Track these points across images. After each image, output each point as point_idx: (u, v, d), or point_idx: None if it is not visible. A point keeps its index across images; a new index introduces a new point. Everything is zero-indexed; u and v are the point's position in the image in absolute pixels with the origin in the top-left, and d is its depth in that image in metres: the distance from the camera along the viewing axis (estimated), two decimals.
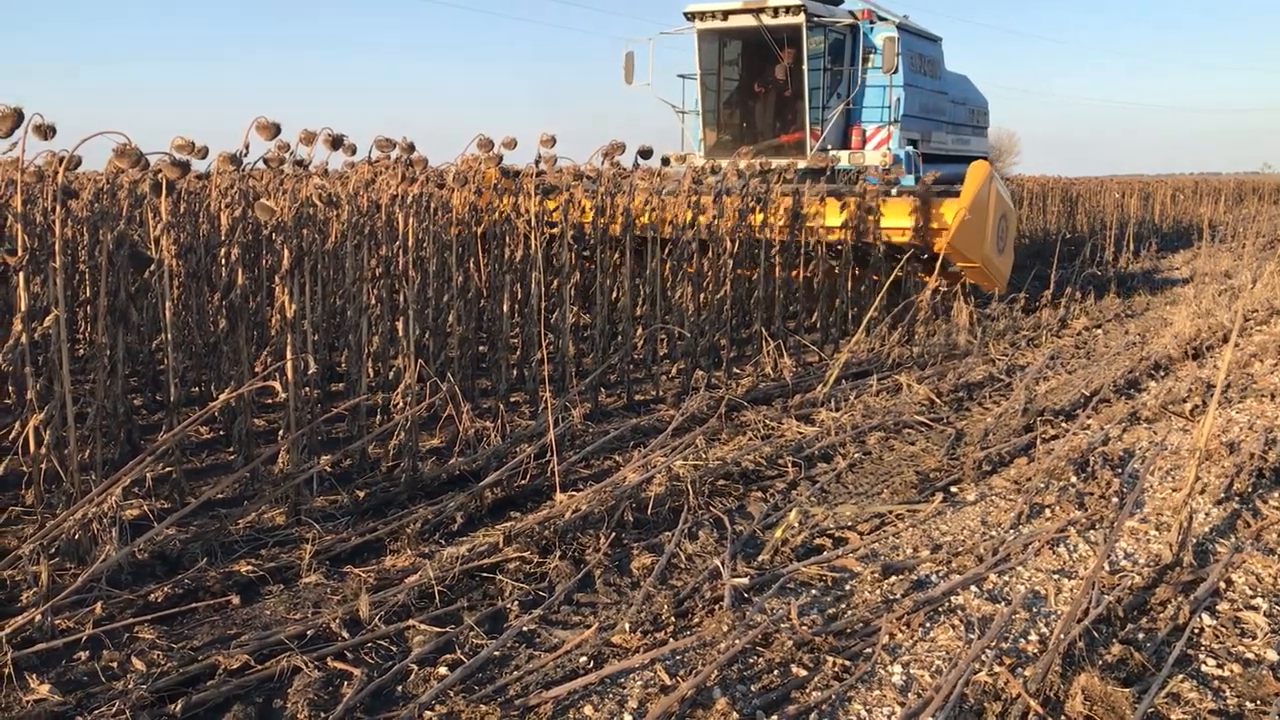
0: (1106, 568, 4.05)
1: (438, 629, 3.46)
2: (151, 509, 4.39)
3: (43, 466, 3.81)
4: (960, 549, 4.27)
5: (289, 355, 4.59)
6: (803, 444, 5.72)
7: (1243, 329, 9.71)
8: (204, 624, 3.52)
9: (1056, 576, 4.01)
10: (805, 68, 12.23)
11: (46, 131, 3.81)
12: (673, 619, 3.55)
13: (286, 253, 4.68)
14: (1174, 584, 3.86)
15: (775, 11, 11.89)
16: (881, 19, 12.99)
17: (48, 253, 5.39)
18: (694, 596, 3.73)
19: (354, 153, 5.88)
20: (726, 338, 7.94)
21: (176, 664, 3.15)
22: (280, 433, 4.74)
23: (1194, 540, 4.28)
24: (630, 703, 3.05)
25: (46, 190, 5.69)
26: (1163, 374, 7.93)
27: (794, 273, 9.05)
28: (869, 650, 3.35)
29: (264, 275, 5.96)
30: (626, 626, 3.45)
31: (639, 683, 3.16)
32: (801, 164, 11.80)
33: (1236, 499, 4.88)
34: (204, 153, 4.86)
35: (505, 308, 6.72)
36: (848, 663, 3.28)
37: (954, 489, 5.12)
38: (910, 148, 12.90)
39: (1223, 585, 3.91)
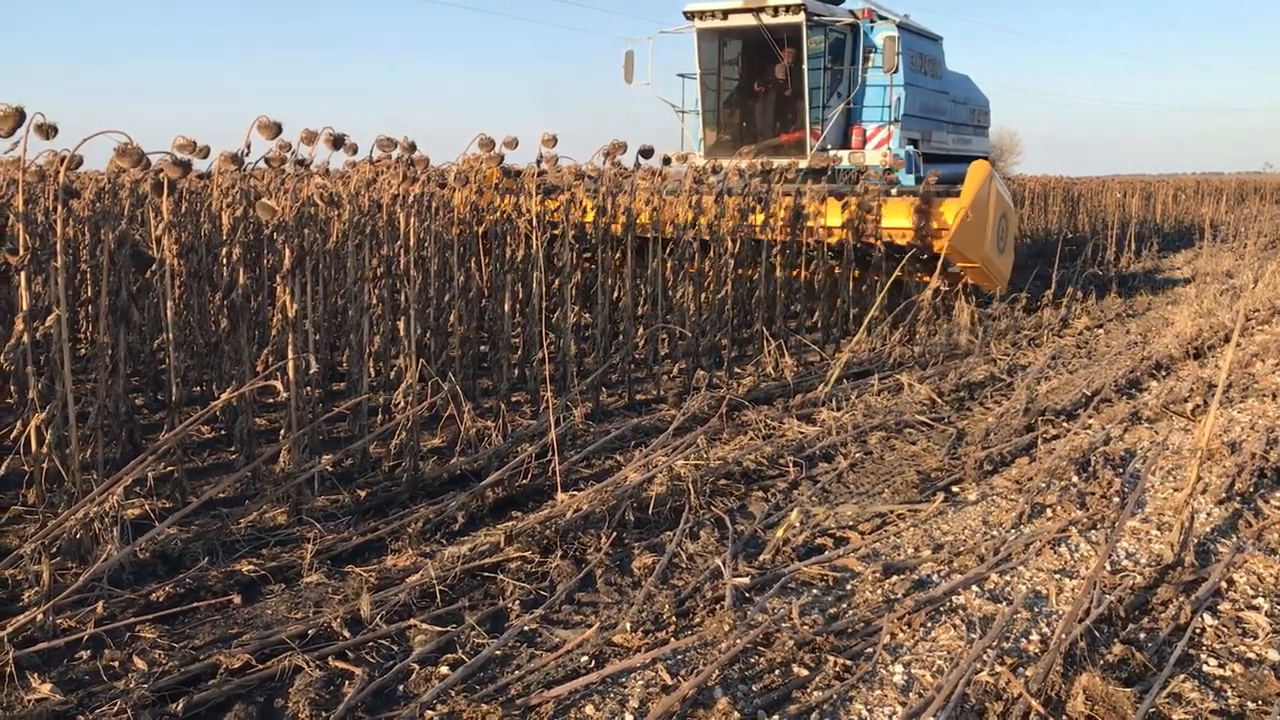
0: (1108, 567, 4.04)
1: (439, 628, 3.46)
2: (153, 508, 4.39)
3: (44, 466, 3.81)
4: (961, 549, 4.26)
5: (290, 355, 4.59)
6: (804, 443, 5.72)
7: (1244, 329, 9.70)
8: (205, 623, 3.52)
9: (1058, 576, 4.00)
10: (805, 67, 12.20)
11: (48, 131, 3.81)
12: (674, 618, 3.55)
13: (288, 252, 4.68)
14: (1175, 584, 3.86)
15: (775, 10, 11.86)
16: (882, 18, 12.97)
17: (49, 252, 5.40)
18: (695, 596, 3.73)
19: (355, 152, 5.88)
20: (728, 337, 7.94)
21: (178, 663, 3.15)
22: (282, 432, 4.74)
23: (1195, 540, 4.27)
24: (631, 702, 3.05)
25: (48, 190, 5.69)
26: (1164, 374, 7.93)
27: (795, 272, 9.05)
28: (870, 650, 3.35)
29: (265, 275, 5.95)
30: (628, 626, 3.45)
31: (640, 682, 3.16)
32: (802, 164, 11.79)
33: (1238, 499, 4.88)
34: (205, 152, 4.85)
35: (506, 307, 6.72)
36: (849, 662, 3.28)
37: (955, 489, 5.12)
38: (911, 147, 12.88)
39: (1224, 585, 3.90)
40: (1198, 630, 3.54)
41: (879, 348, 8.44)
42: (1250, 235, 20.65)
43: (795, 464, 5.37)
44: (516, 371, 7.10)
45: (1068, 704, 2.98)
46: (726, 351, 7.88)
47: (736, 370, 7.85)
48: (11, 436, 3.85)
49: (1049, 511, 4.75)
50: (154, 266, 4.84)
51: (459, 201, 6.68)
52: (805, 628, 3.46)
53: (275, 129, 4.85)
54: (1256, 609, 3.72)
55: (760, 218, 8.31)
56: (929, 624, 3.57)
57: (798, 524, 4.44)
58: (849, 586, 3.90)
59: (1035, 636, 3.48)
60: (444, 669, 3.21)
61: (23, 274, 3.83)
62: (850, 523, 4.60)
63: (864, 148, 12.69)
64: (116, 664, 3.18)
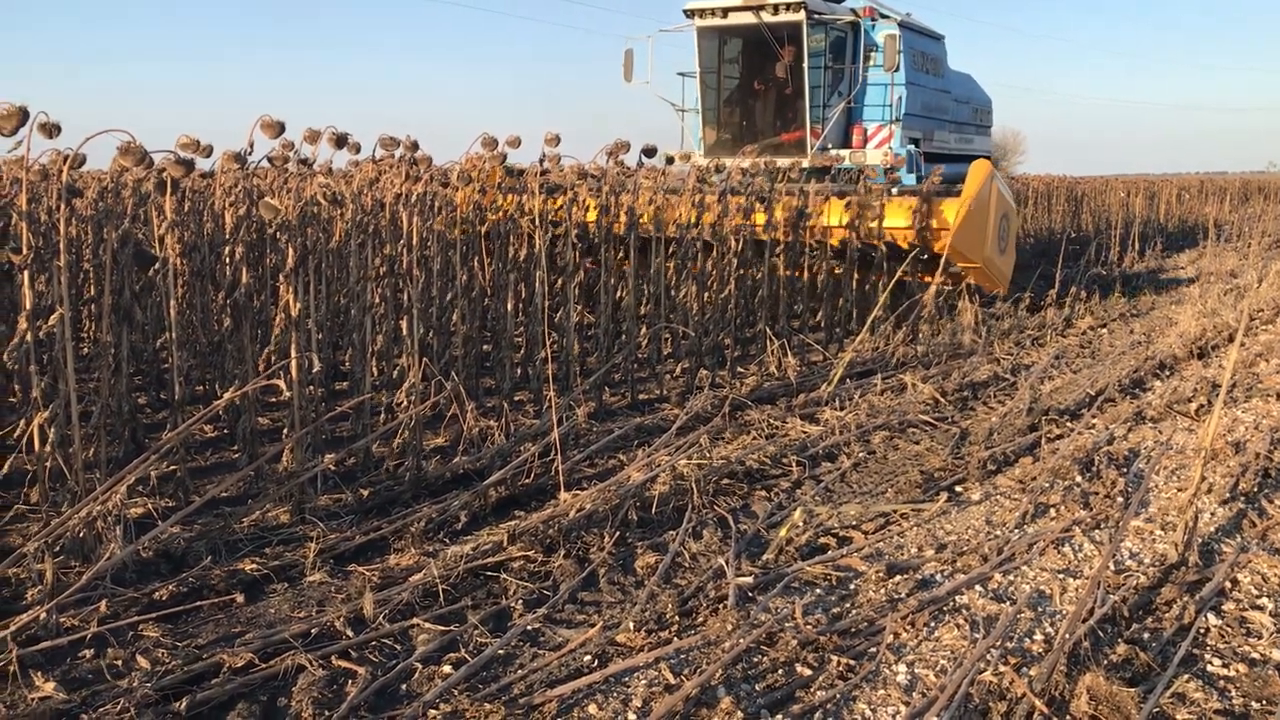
0: (1112, 567, 4.04)
1: (442, 628, 3.46)
2: (156, 507, 4.39)
3: (47, 465, 3.81)
4: (965, 548, 4.26)
5: (293, 354, 4.59)
6: (807, 443, 5.71)
7: (1248, 328, 9.69)
8: (208, 622, 3.52)
9: (1061, 576, 4.00)
10: (806, 65, 12.17)
11: (51, 130, 3.81)
12: (677, 618, 3.55)
13: (291, 251, 4.68)
14: (1179, 584, 3.85)
15: (775, 9, 11.83)
16: (883, 16, 12.94)
17: (52, 251, 5.39)
18: (698, 595, 3.72)
19: (358, 151, 5.88)
20: (730, 337, 7.93)
21: (181, 662, 3.15)
22: (284, 431, 4.74)
23: (1199, 540, 4.27)
24: (634, 701, 3.04)
25: (51, 189, 5.70)
26: (1168, 373, 7.91)
27: (798, 272, 9.04)
28: (874, 649, 3.35)
29: (268, 274, 5.95)
30: (631, 625, 3.45)
31: (643, 682, 3.16)
32: (804, 163, 11.77)
33: (1242, 499, 4.87)
34: (208, 151, 4.86)
35: (509, 306, 6.72)
36: (852, 662, 3.28)
37: (959, 488, 5.11)
38: (912, 146, 12.86)
39: (1228, 585, 3.90)
40: (1202, 630, 3.53)
41: (882, 347, 8.43)
42: (1254, 235, 20.62)
43: (798, 463, 5.37)
44: (519, 371, 7.10)
45: (1071, 704, 2.97)
46: (729, 351, 7.88)
47: (739, 370, 7.85)
48: (15, 435, 3.85)
49: (1053, 511, 4.74)
50: (157, 265, 4.85)
51: (461, 200, 6.68)
52: (808, 627, 3.46)
53: (278, 128, 4.86)
54: (1261, 609, 3.71)
55: (762, 217, 8.30)
56: (932, 624, 3.57)
57: (801, 523, 4.43)
58: (852, 586, 3.89)
59: (1039, 636, 3.48)
60: (447, 668, 3.21)
61: (26, 273, 3.84)
62: (853, 522, 4.59)
63: (865, 147, 12.65)
64: (120, 663, 3.18)
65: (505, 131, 6.73)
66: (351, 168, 6.52)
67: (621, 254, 7.66)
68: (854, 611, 3.65)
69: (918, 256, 8.95)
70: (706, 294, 7.84)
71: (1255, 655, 3.38)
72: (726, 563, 3.93)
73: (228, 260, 5.51)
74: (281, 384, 4.44)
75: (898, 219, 8.99)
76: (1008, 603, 3.74)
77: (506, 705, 2.96)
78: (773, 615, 3.55)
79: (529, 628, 3.49)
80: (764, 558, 4.13)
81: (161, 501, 4.55)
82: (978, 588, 3.88)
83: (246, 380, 4.87)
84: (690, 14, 12.53)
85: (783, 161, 9.71)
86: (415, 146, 6.25)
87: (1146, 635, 3.47)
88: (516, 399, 6.67)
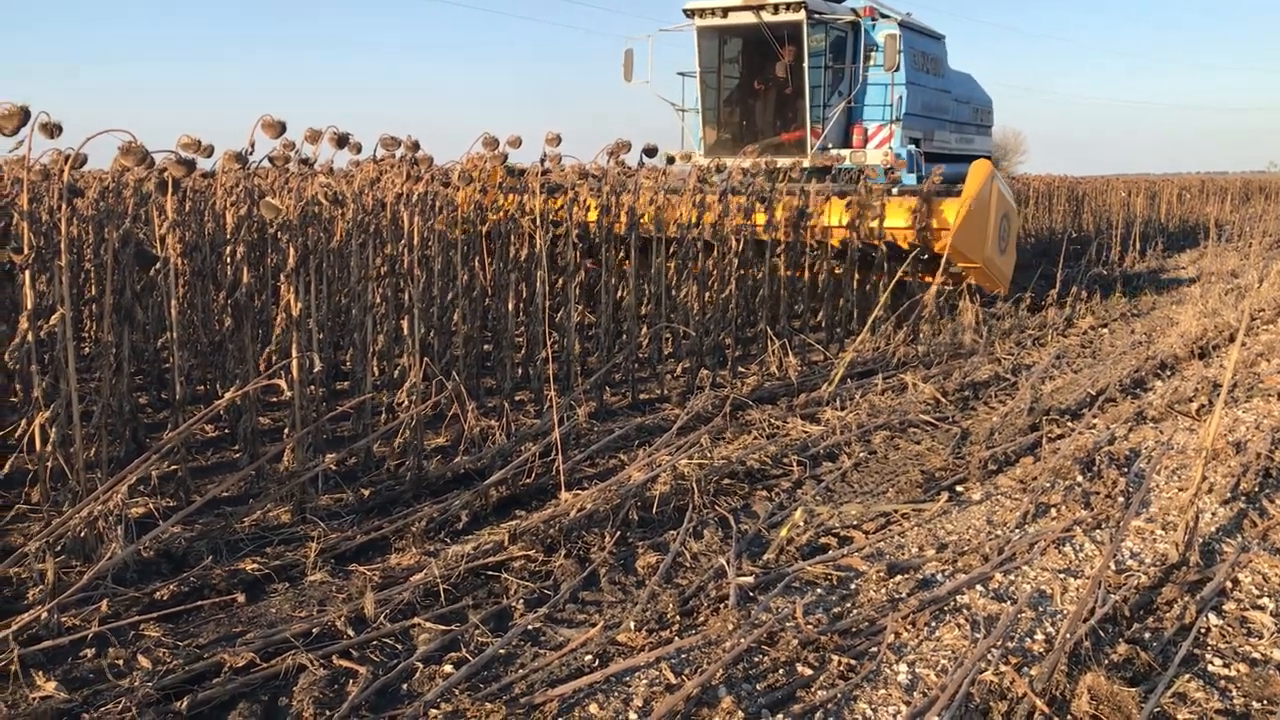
0: (1112, 567, 4.04)
1: (443, 627, 3.46)
2: (157, 507, 4.40)
3: (48, 464, 3.81)
4: (966, 548, 4.26)
5: (294, 353, 4.59)
6: (808, 443, 5.71)
7: (1249, 328, 9.69)
8: (209, 622, 3.52)
9: (1062, 576, 4.00)
10: (806, 65, 12.16)
11: (53, 130, 3.81)
12: (678, 618, 3.55)
13: (292, 251, 4.68)
14: (1180, 583, 3.85)
15: (775, 8, 11.82)
16: (883, 16, 12.92)
17: (53, 251, 5.40)
18: (699, 595, 3.72)
19: (359, 151, 5.88)
20: (731, 337, 7.93)
21: (182, 662, 3.15)
22: (285, 431, 4.74)
23: (1200, 540, 4.27)
24: (635, 701, 3.05)
25: (52, 188, 5.70)
26: (1169, 373, 7.91)
27: (799, 272, 9.03)
28: (874, 649, 3.35)
29: (269, 274, 5.95)
30: (632, 625, 3.45)
31: (644, 681, 3.16)
32: (805, 163, 11.77)
33: (1243, 498, 4.87)
34: (209, 151, 4.86)
35: (510, 306, 6.72)
36: (853, 661, 3.28)
37: (959, 488, 5.11)
38: (913, 146, 12.85)
39: (1229, 585, 3.90)
40: (1203, 630, 3.53)
41: (883, 347, 8.43)
42: (1255, 235, 20.62)
43: (799, 463, 5.37)
44: (520, 370, 7.10)
45: (1072, 703, 2.97)
46: (730, 351, 7.88)
47: (740, 370, 7.85)
48: (16, 435, 3.85)
49: (1053, 511, 4.74)
50: (158, 265, 4.85)
51: (462, 200, 6.68)
52: (809, 627, 3.46)
53: (279, 128, 4.86)
54: (1262, 609, 3.71)
55: (763, 217, 8.29)
56: (933, 623, 3.57)
57: (802, 523, 4.43)
58: (853, 586, 3.89)
59: (1040, 636, 3.48)
60: (448, 668, 3.21)
61: (27, 273, 3.84)
62: (854, 522, 4.59)
63: (865, 147, 12.64)
64: (121, 662, 3.18)
65: (505, 131, 6.74)
66: (353, 168, 6.53)
67: (622, 254, 7.66)
68: (855, 611, 3.65)
69: (918, 257, 8.95)
70: (707, 294, 7.84)
71: (1256, 655, 3.38)
72: (727, 562, 3.93)
73: (229, 260, 5.51)
74: (282, 384, 4.44)
75: (898, 219, 8.98)
76: (1009, 602, 3.74)
77: (508, 705, 2.96)
78: (774, 615, 3.55)
79: (530, 627, 3.49)
80: (765, 557, 4.13)
81: (162, 501, 4.56)
82: (979, 587, 3.88)
83: (247, 380, 4.87)
84: (690, 14, 12.51)
85: (783, 161, 9.70)
86: (416, 146, 6.25)
87: (1147, 635, 3.47)
88: (517, 399, 6.67)
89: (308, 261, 4.90)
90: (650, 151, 7.69)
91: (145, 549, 3.88)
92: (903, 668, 3.26)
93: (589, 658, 3.28)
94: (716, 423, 5.87)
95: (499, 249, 6.90)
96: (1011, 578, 3.98)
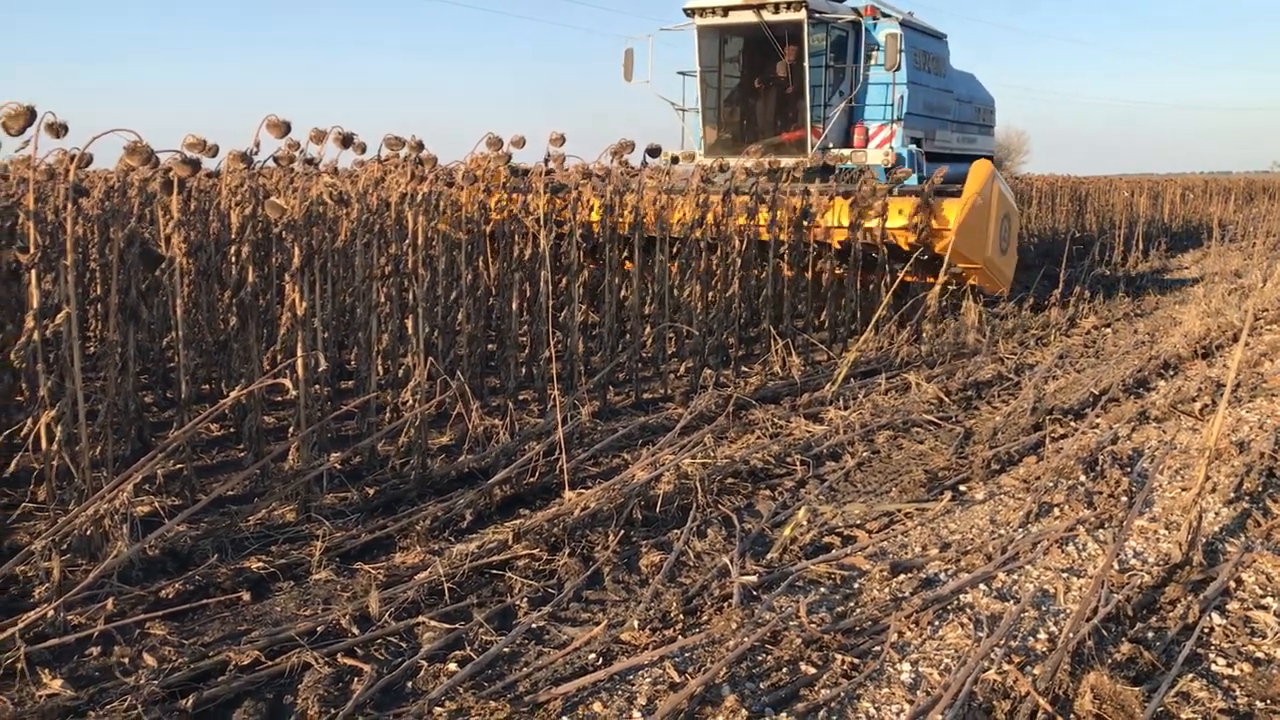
0: (1116, 566, 4.04)
1: (447, 625, 3.47)
2: (162, 506, 4.41)
3: (54, 463, 3.82)
4: (969, 547, 4.26)
5: (299, 353, 4.61)
6: (811, 442, 5.72)
7: (1253, 328, 9.68)
8: (215, 620, 3.53)
9: (1065, 575, 4.00)
10: (807, 65, 12.14)
11: (58, 130, 3.82)
12: (681, 616, 3.56)
13: (297, 251, 4.69)
14: (1184, 583, 3.85)
15: (776, 7, 11.80)
16: (885, 15, 12.90)
17: (59, 250, 5.41)
18: (703, 594, 3.73)
19: (363, 151, 5.89)
20: (735, 336, 7.94)
21: (187, 660, 3.16)
22: (290, 430, 4.76)
23: (1204, 539, 4.26)
24: (639, 700, 3.05)
25: (58, 188, 5.71)
26: (1172, 373, 7.91)
27: (802, 272, 9.03)
28: (878, 648, 3.36)
29: (274, 273, 5.97)
30: (635, 624, 3.46)
31: (648, 680, 3.16)
32: (807, 162, 11.76)
33: (1246, 498, 4.87)
34: (214, 151, 4.87)
35: (514, 306, 6.73)
36: (856, 660, 3.28)
37: (963, 488, 5.12)
38: (914, 146, 12.83)
39: (1233, 584, 3.90)
40: (1206, 629, 3.53)
41: (886, 347, 8.43)
42: (1259, 235, 20.60)
43: (802, 463, 5.37)
44: (524, 370, 7.11)
45: (1075, 703, 2.98)
46: (733, 350, 7.88)
47: (743, 369, 7.85)
48: (22, 434, 3.86)
49: (1056, 510, 4.74)
50: (163, 265, 4.86)
51: (466, 200, 6.69)
52: (813, 626, 3.47)
53: (284, 128, 4.87)
54: (1265, 608, 3.71)
55: (766, 217, 8.29)
56: (936, 622, 3.57)
57: (805, 522, 4.44)
58: (856, 585, 3.90)
59: (1043, 635, 3.48)
60: (452, 666, 3.22)
61: (33, 272, 3.85)
62: (858, 521, 4.60)
63: (866, 146, 12.63)
64: (126, 660, 3.19)
65: (504, 131, 6.74)
66: (357, 167, 6.54)
67: (625, 254, 7.67)
68: (858, 610, 3.65)
69: (919, 258, 8.94)
70: (710, 293, 7.84)
71: (1260, 655, 3.39)
72: (731, 561, 3.94)
73: (234, 259, 5.53)
74: (287, 383, 4.45)
75: (898, 219, 8.97)
76: (1012, 602, 3.75)
77: (512, 703, 2.97)
78: (777, 614, 3.56)
79: (534, 626, 3.50)
80: (768, 557, 4.14)
81: (168, 500, 4.57)
82: (982, 587, 3.88)
83: (252, 379, 4.89)
84: (690, 13, 12.49)
85: (786, 161, 9.70)
86: (421, 146, 6.26)
87: (1151, 634, 3.47)
88: (521, 398, 6.68)
89: (312, 261, 4.91)
90: (654, 151, 7.70)
91: (151, 547, 3.89)
92: (906, 667, 3.27)
93: (593, 656, 3.28)
94: (720, 422, 5.87)
95: (503, 249, 6.91)
96: (1015, 577, 3.99)
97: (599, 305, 7.99)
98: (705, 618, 3.57)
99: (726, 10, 12.23)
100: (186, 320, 4.85)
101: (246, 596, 3.68)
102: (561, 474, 4.74)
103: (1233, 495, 4.87)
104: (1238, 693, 3.15)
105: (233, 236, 5.58)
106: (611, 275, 7.27)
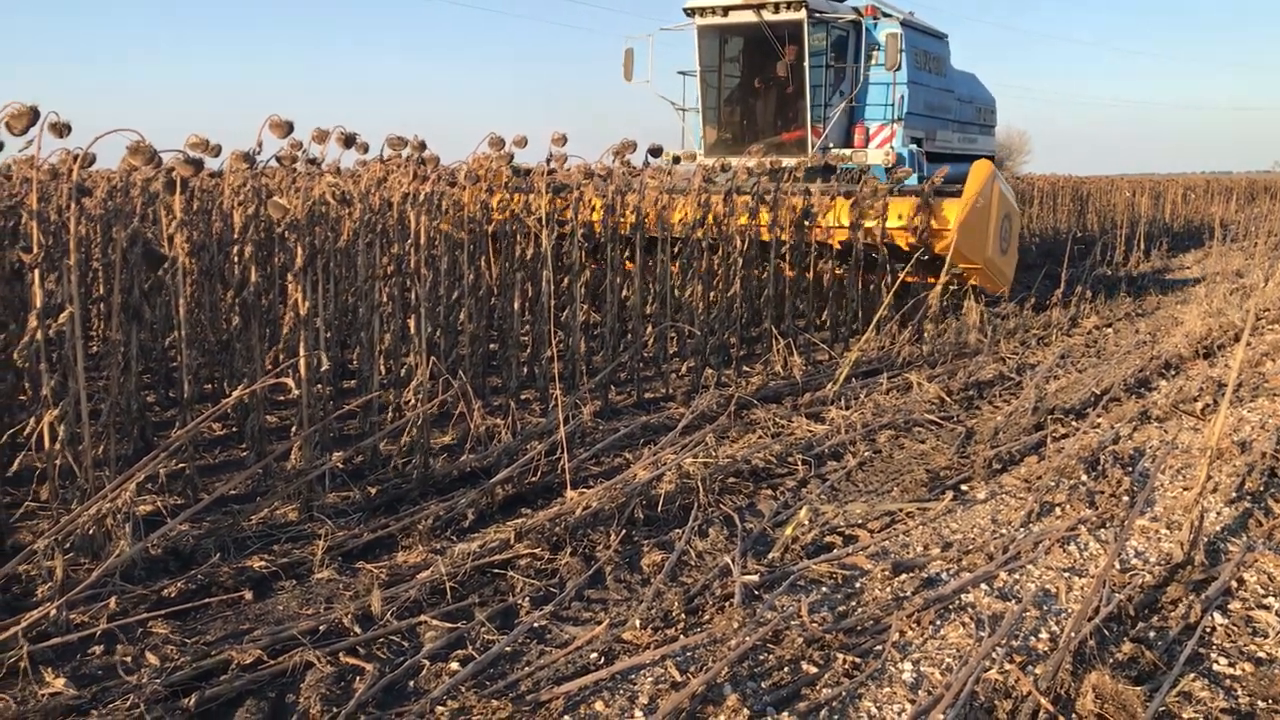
0: (1117, 566, 4.04)
1: (449, 625, 3.47)
2: (165, 505, 4.42)
3: (57, 462, 3.83)
4: (970, 547, 4.27)
5: (302, 352, 4.61)
6: (813, 442, 5.72)
7: (1254, 328, 9.67)
8: (217, 619, 3.54)
9: (1067, 575, 4.00)
10: (807, 64, 12.13)
11: (61, 129, 3.83)
12: (683, 616, 3.56)
13: (299, 250, 4.70)
14: (1185, 583, 3.85)
15: (776, 7, 11.79)
16: (885, 15, 12.89)
17: (62, 250, 5.43)
18: (704, 593, 3.73)
19: (366, 151, 5.90)
20: (736, 336, 7.94)
21: (190, 659, 3.17)
22: (293, 429, 4.76)
23: (1205, 539, 4.26)
24: (641, 699, 3.06)
25: (61, 188, 5.72)
26: (1174, 373, 7.91)
27: (803, 271, 9.03)
28: (879, 648, 3.36)
29: (277, 273, 5.98)
30: (637, 623, 3.46)
31: (650, 679, 3.17)
32: (808, 162, 11.75)
33: (1248, 498, 4.87)
34: (217, 150, 4.88)
35: (516, 306, 6.74)
36: (858, 660, 3.29)
37: (964, 487, 5.12)
38: (914, 146, 12.82)
39: (1234, 584, 3.90)
40: (1208, 629, 3.53)
41: (887, 346, 8.43)
42: (1260, 234, 20.59)
43: (804, 462, 5.38)
44: (526, 369, 7.11)
45: (1077, 702, 2.98)
46: (735, 350, 7.89)
47: (745, 369, 7.86)
48: (25, 433, 3.87)
49: (1058, 510, 4.75)
50: (166, 264, 4.87)
51: (468, 199, 6.69)
52: (814, 625, 3.47)
53: (287, 128, 4.87)
54: (1267, 608, 3.71)
55: (766, 217, 8.30)
56: (938, 622, 3.58)
57: (806, 522, 4.44)
58: (858, 584, 3.90)
59: (1044, 635, 3.48)
60: (454, 665, 3.22)
61: (36, 272, 3.85)
62: (859, 521, 4.60)
63: (866, 146, 12.61)
64: (129, 659, 3.19)
65: (504, 131, 6.74)
66: (359, 167, 6.54)
67: (627, 253, 7.67)
68: (860, 610, 3.66)
69: (920, 258, 8.93)
70: (712, 293, 7.84)
71: (1261, 654, 3.39)
72: (732, 561, 3.94)
73: (236, 259, 5.54)
74: (290, 382, 4.46)
75: (898, 220, 8.96)
76: (1013, 601, 3.75)
77: (514, 702, 2.97)
78: (779, 613, 3.56)
79: (536, 625, 3.50)
80: (770, 556, 4.14)
81: (170, 499, 4.57)
82: (983, 586, 3.89)
83: (255, 378, 4.89)
84: (691, 12, 12.48)
85: (788, 161, 9.69)
86: (423, 146, 6.27)
87: (1152, 634, 3.47)
88: (523, 397, 6.68)
89: (315, 261, 4.92)
90: (655, 151, 7.70)
91: (153, 546, 3.90)
92: (907, 666, 3.27)
93: (595, 655, 3.29)
94: (721, 422, 5.88)
95: (505, 248, 6.91)
96: (1016, 576, 3.99)
97: (601, 305, 7.99)
98: (707, 617, 3.57)
99: (726, 10, 12.21)
100: (189, 320, 4.86)
101: (249, 595, 3.69)
102: (563, 473, 4.75)
103: (1234, 495, 4.88)
104: (1239, 692, 3.15)
105: (235, 236, 5.58)
106: (613, 275, 7.28)
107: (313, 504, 4.48)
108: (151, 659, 3.19)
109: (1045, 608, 3.71)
